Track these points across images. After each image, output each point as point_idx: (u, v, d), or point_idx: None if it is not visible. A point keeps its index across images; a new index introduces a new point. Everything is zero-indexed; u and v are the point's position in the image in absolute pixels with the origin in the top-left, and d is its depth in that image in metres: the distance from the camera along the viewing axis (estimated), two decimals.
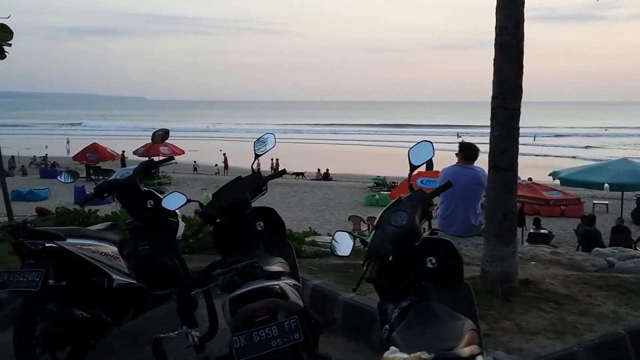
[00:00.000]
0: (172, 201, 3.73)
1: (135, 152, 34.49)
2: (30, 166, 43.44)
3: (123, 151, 39.18)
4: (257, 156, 3.84)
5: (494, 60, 4.56)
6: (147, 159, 4.71)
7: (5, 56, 6.08)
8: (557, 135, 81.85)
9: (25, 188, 28.03)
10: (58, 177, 4.70)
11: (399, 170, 37.14)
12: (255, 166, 3.86)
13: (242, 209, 3.64)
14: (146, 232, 4.35)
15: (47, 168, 38.98)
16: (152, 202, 4.41)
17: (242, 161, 43.29)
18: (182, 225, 4.56)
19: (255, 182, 3.77)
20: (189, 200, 3.71)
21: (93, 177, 33.98)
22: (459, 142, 7.12)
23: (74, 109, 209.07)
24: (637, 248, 16.56)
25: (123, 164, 37.81)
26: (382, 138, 78.15)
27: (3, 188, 6.20)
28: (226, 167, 42.70)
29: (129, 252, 4.11)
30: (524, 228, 16.08)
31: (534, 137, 79.72)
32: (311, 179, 37.35)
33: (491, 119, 4.62)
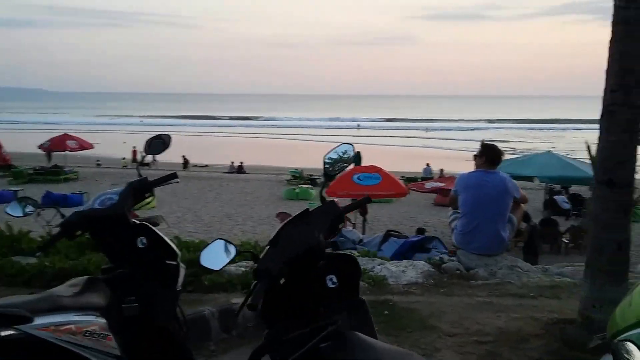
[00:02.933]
0: (213, 256, 2.17)
1: (40, 147, 30.98)
2: None
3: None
4: (328, 178, 2.32)
5: (612, 42, 3.37)
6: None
7: None
8: (455, 129, 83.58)
9: None
10: (6, 210, 3.02)
11: (309, 162, 36.36)
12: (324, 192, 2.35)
13: (316, 261, 2.10)
14: (135, 283, 2.77)
15: None
16: (144, 241, 2.83)
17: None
18: (183, 271, 3.00)
19: (331, 217, 2.24)
20: (239, 253, 2.17)
21: None
22: (481, 143, 5.93)
23: None
24: (564, 240, 16.52)
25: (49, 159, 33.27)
26: (288, 131, 76.90)
27: None
28: (134, 160, 39.71)
29: (110, 312, 2.56)
30: None
31: (426, 129, 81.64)
32: (224, 172, 35.47)
33: (603, 119, 3.43)
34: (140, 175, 2.99)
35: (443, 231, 17.30)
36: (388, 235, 11.27)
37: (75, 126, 63.75)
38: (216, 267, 2.10)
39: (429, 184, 17.63)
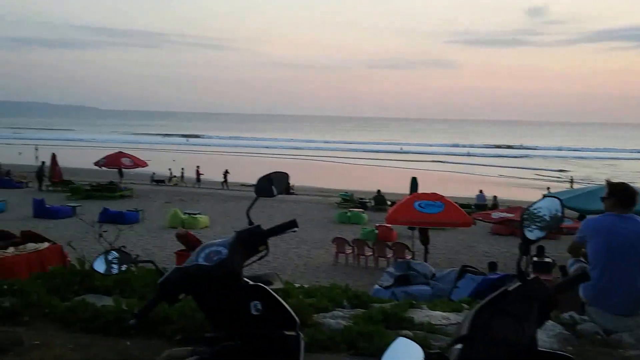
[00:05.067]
0: None
1: (96, 163, 31.07)
2: None
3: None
4: (525, 242, 1.74)
5: None
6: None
7: None
8: (496, 156, 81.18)
9: None
10: (92, 264, 2.42)
11: (353, 185, 35.73)
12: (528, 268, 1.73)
13: None
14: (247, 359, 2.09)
15: (1, 177, 34.68)
16: (259, 306, 2.14)
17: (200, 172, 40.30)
18: (303, 343, 2.29)
19: (538, 301, 1.72)
20: (429, 357, 1.53)
21: (51, 188, 30.73)
22: (607, 182, 5.02)
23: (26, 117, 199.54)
24: None
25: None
26: (333, 154, 76.23)
27: None
28: (198, 179, 39.61)
29: None
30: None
31: (468, 154, 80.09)
32: None
33: None
34: (251, 222, 2.31)
35: (506, 263, 16.26)
36: (464, 270, 10.41)
37: (129, 145, 64.45)
38: None
39: (495, 214, 16.53)
